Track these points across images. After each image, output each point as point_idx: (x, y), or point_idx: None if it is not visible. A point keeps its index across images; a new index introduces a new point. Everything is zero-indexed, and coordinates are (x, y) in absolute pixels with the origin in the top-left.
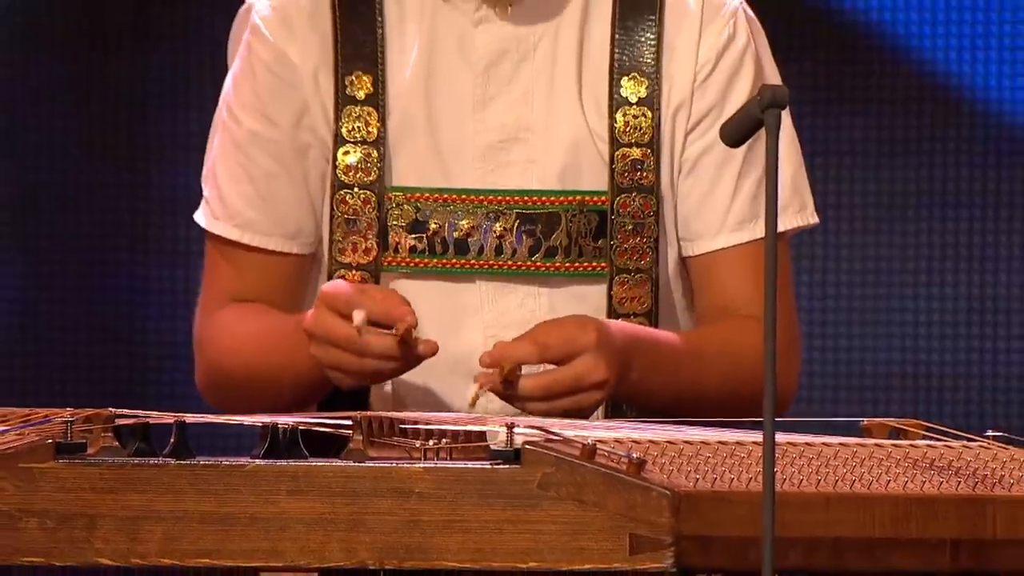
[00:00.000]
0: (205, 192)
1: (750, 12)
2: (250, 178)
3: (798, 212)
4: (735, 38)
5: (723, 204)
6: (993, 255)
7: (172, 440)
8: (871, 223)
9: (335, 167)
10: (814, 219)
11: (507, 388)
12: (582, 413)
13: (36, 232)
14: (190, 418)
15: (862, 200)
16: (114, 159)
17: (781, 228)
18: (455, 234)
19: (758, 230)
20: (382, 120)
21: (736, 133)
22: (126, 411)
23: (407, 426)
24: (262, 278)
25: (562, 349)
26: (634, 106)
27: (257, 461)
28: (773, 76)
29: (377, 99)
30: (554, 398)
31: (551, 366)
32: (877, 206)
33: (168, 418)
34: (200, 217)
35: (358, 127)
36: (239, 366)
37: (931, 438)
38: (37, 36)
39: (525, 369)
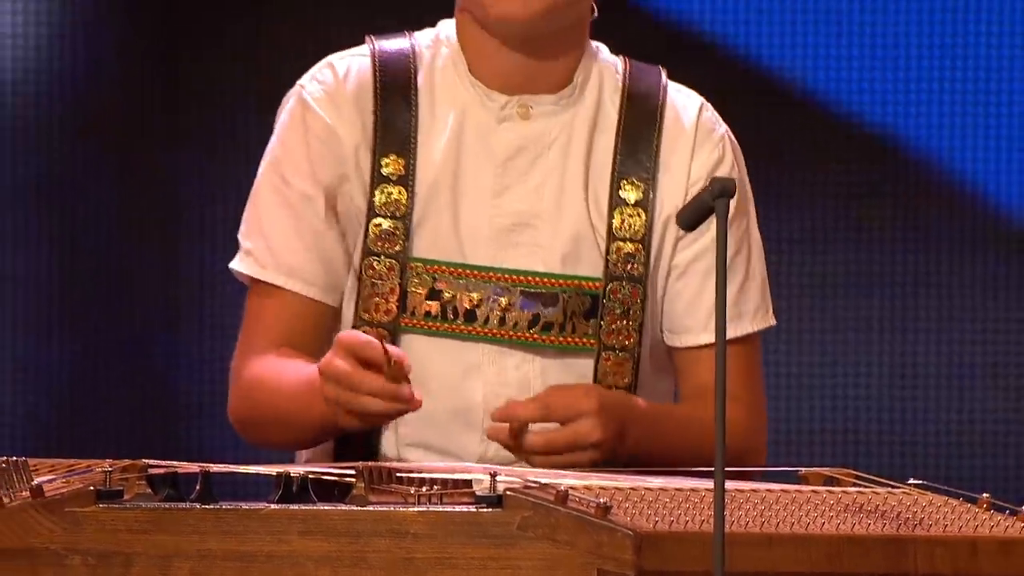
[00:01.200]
0: (248, 245)
1: (733, 138)
2: (299, 234)
3: (765, 315)
4: (723, 160)
5: (709, 306)
6: (913, 327)
7: (198, 487)
8: (806, 300)
9: (366, 235)
10: (773, 321)
11: (514, 441)
12: (581, 467)
13: (85, 308)
14: (214, 468)
15: (799, 281)
16: (150, 244)
17: (754, 329)
18: (466, 304)
19: (737, 330)
20: (410, 198)
21: (690, 219)
22: (158, 462)
23: (403, 475)
24: (298, 324)
25: (563, 412)
26: (630, 207)
27: (272, 506)
28: (750, 195)
29: (407, 179)
30: (553, 453)
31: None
32: (811, 286)
33: (194, 468)
34: (243, 266)
35: (389, 203)
36: (267, 413)
37: (860, 485)
38: (85, 132)
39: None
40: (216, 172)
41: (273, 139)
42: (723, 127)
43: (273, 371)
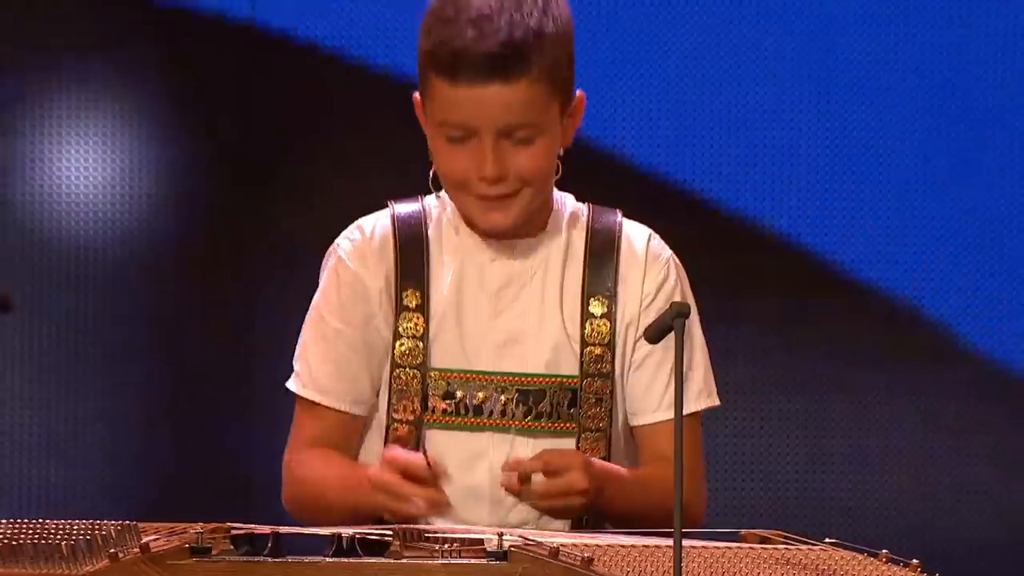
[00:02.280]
0: (297, 367)
1: (676, 260)
2: (332, 361)
3: (707, 397)
4: (668, 278)
5: (659, 391)
6: (828, 421)
7: (270, 545)
8: (744, 400)
9: (393, 353)
10: (717, 402)
11: (520, 488)
12: (571, 511)
13: (180, 406)
14: (283, 529)
15: (738, 385)
16: (227, 356)
17: (695, 408)
18: (474, 402)
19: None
20: (426, 322)
21: (655, 335)
22: (238, 525)
23: (430, 535)
24: (332, 431)
25: (558, 465)
26: (598, 318)
27: (327, 559)
28: (692, 303)
29: (423, 308)
30: (550, 498)
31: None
32: (750, 389)
33: (267, 529)
34: (292, 385)
35: (409, 327)
36: (312, 505)
37: (788, 543)
38: (182, 272)
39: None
40: (279, 301)
41: (319, 286)
42: (668, 251)
43: (316, 473)
